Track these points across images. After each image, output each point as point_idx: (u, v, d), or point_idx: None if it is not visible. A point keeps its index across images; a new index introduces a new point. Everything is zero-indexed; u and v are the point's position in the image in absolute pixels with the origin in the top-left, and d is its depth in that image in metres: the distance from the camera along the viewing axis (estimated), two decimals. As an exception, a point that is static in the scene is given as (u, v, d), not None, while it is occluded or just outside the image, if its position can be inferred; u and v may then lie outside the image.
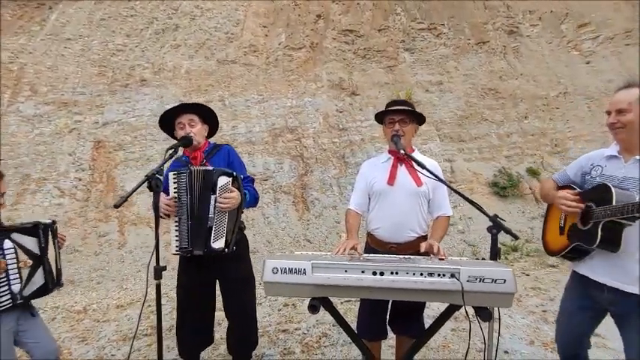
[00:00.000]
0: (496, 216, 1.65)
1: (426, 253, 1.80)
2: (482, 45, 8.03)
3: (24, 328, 1.97)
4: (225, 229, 2.00)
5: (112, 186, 5.74)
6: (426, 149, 6.71)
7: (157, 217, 1.75)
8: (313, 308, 1.51)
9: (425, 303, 2.13)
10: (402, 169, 2.03)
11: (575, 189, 1.76)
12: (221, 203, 1.94)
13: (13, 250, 1.83)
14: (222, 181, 1.97)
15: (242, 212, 2.12)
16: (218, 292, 2.28)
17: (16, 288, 1.84)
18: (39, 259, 1.90)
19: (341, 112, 7.06)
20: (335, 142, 6.70)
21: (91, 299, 4.16)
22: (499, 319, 1.65)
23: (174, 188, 1.97)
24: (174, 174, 1.97)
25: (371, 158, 2.32)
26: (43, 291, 1.93)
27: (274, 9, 8.06)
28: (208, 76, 7.11)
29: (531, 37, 8.24)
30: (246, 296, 2.22)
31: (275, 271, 1.49)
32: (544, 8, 8.42)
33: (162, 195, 1.90)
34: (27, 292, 1.87)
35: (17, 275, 1.83)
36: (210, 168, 1.99)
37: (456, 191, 1.80)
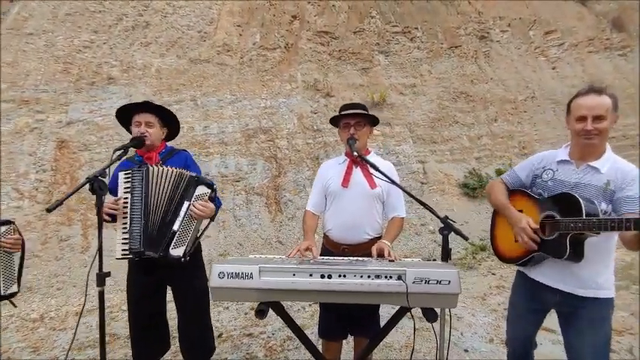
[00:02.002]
0: (447, 217, 1.67)
1: (380, 255, 1.80)
2: (455, 49, 8.21)
3: None
4: (189, 237, 1.93)
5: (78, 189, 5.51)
6: (400, 151, 6.79)
7: (100, 221, 1.67)
8: (260, 313, 1.48)
9: (378, 304, 2.13)
10: (357, 172, 2.04)
11: (529, 195, 1.75)
12: (195, 210, 1.88)
13: None
14: (201, 190, 1.92)
15: (207, 226, 2.06)
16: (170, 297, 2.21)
17: None
18: None
19: (315, 113, 7.05)
20: (309, 143, 6.68)
21: (49, 307, 3.97)
22: (450, 318, 1.67)
23: (126, 187, 1.88)
24: (126, 173, 1.88)
25: (330, 159, 2.32)
26: None
27: (249, 8, 7.98)
28: (180, 76, 6.96)
29: (501, 42, 8.48)
30: (198, 302, 2.16)
31: (221, 275, 1.45)
32: (513, 15, 8.69)
33: (109, 196, 1.82)
34: None
35: None
36: (192, 173, 1.93)
37: (408, 193, 1.82)
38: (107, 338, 3.11)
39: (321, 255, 1.95)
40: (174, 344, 2.62)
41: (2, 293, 1.88)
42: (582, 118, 1.55)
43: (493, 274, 4.53)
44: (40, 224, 5.15)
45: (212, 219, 2.05)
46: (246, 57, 7.44)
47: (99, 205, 1.65)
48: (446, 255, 1.64)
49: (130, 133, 2.09)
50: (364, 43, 8.03)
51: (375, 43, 8.09)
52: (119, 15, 7.40)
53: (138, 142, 1.97)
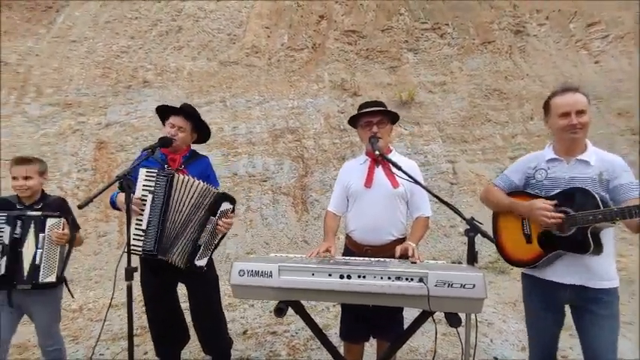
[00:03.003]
0: (473, 219, 1.60)
1: (403, 255, 1.76)
2: (488, 45, 7.91)
3: (32, 315, 2.13)
4: (212, 250, 2.05)
5: (113, 186, 5.80)
6: (428, 150, 6.63)
7: (129, 218, 1.74)
8: (279, 312, 1.49)
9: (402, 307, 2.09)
10: (379, 171, 2.00)
11: (531, 194, 1.71)
12: (220, 227, 2.00)
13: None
14: (226, 206, 2.02)
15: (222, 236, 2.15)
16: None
17: None
18: (4, 249, 1.94)
19: (342, 112, 7.01)
20: (336, 143, 6.67)
21: (88, 298, 4.21)
22: (476, 324, 1.60)
23: (147, 186, 1.93)
24: (148, 171, 1.94)
25: (351, 160, 2.30)
26: (5, 283, 1.95)
27: (277, 10, 8.07)
28: (210, 78, 7.15)
29: (538, 36, 8.08)
30: (209, 298, 2.22)
31: (242, 273, 1.47)
32: (552, 7, 8.25)
33: (121, 194, 1.91)
34: None
35: None
36: (219, 190, 2.02)
37: (431, 193, 1.77)
38: (138, 330, 3.25)
39: (343, 256, 1.94)
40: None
41: (40, 281, 2.01)
42: (566, 114, 1.60)
43: (527, 279, 4.32)
44: (81, 221, 5.40)
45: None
46: (274, 58, 7.53)
47: (127, 202, 1.72)
48: (472, 258, 1.58)
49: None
50: (392, 41, 7.91)
51: (403, 40, 7.94)
52: (154, 21, 7.72)
53: (164, 142, 2.04)
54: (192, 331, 2.45)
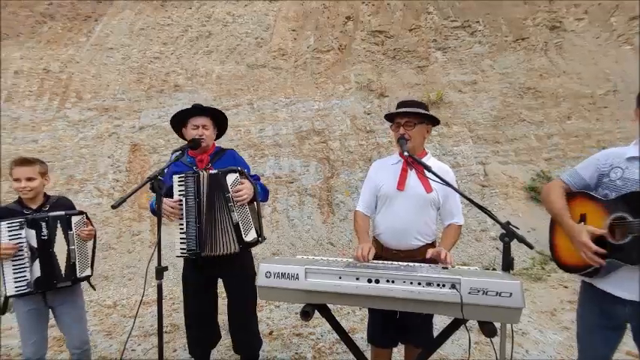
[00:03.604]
0: (509, 223, 1.52)
1: (433, 260, 1.69)
2: (521, 42, 7.60)
3: (55, 313, 2.16)
4: (250, 220, 2.05)
5: (145, 187, 6.01)
6: (458, 151, 6.44)
7: (159, 219, 1.78)
8: (305, 315, 1.46)
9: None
10: (411, 174, 1.93)
11: (593, 197, 1.57)
12: (237, 197, 1.98)
13: (24, 239, 1.97)
14: (231, 178, 2.02)
15: (260, 202, 2.15)
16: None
17: (30, 275, 1.97)
18: (35, 252, 1.99)
19: (369, 114, 6.95)
20: (362, 144, 6.60)
21: (122, 295, 4.37)
22: (512, 334, 1.52)
23: (181, 191, 1.99)
24: (179, 177, 2.00)
25: (381, 159, 2.24)
26: (45, 284, 2.00)
27: (303, 12, 8.12)
28: (238, 81, 7.28)
29: (576, 31, 7.68)
30: (246, 295, 2.23)
31: (268, 275, 1.46)
32: (590, 1, 7.83)
33: (167, 199, 1.94)
34: (24, 283, 1.98)
35: (26, 263, 1.96)
36: (215, 171, 2.01)
37: (466, 197, 1.69)
38: (168, 328, 3.34)
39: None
40: (228, 336, 2.73)
41: (78, 276, 2.10)
42: None
43: (565, 287, 4.09)
44: (116, 220, 5.68)
45: (266, 197, 2.21)
46: (301, 60, 7.57)
47: (158, 203, 1.76)
48: (507, 264, 1.50)
49: (183, 137, 2.21)
50: (420, 40, 7.76)
51: (431, 39, 7.77)
52: (185, 27, 7.96)
53: (195, 143, 2.08)
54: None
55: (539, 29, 7.76)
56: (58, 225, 2.06)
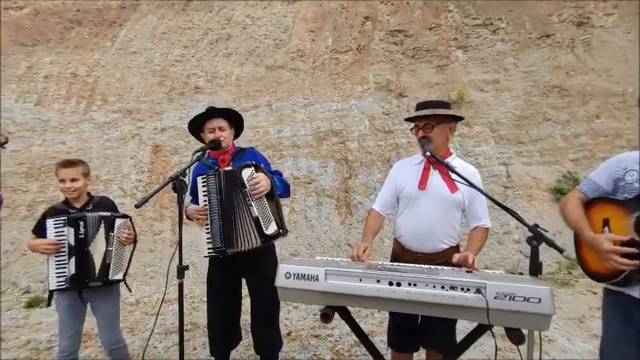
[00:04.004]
0: (537, 226, 1.46)
1: (458, 265, 1.65)
2: (546, 39, 7.36)
3: (92, 309, 2.21)
4: (270, 214, 2.04)
5: (167, 188, 6.14)
6: (480, 152, 6.29)
7: (181, 218, 1.80)
8: (325, 317, 1.45)
9: (455, 317, 1.96)
10: (434, 174, 1.88)
11: (612, 199, 1.52)
12: (254, 191, 1.98)
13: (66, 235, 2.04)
14: (247, 173, 2.02)
15: (278, 195, 2.15)
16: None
17: (70, 270, 2.04)
18: (71, 250, 2.05)
19: (387, 114, 6.88)
20: (380, 145, 6.54)
21: (144, 293, 4.47)
22: (540, 341, 1.46)
23: (204, 192, 2.02)
24: (202, 179, 2.03)
25: (404, 158, 2.19)
26: (78, 281, 2.06)
27: (322, 13, 8.12)
28: (257, 82, 7.35)
29: (605, 27, 7.38)
30: (269, 296, 2.23)
31: (288, 276, 1.45)
32: (621, -5, 7.51)
33: (193, 205, 1.98)
34: (63, 278, 2.05)
35: (66, 260, 2.03)
36: (230, 168, 2.02)
37: (491, 199, 1.64)
38: (188, 326, 3.38)
39: (391, 261, 1.86)
40: (248, 337, 2.75)
41: (110, 278, 2.14)
42: None
43: (594, 292, 3.92)
44: (139, 219, 5.82)
45: (288, 193, 2.22)
46: (319, 61, 7.57)
47: (179, 202, 1.79)
48: (535, 269, 1.44)
49: (201, 141, 2.24)
50: (440, 39, 7.63)
51: (452, 38, 7.63)
52: (205, 30, 8.10)
53: (215, 144, 2.11)
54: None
55: (565, 25, 7.50)
56: (102, 225, 2.11)
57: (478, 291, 1.24)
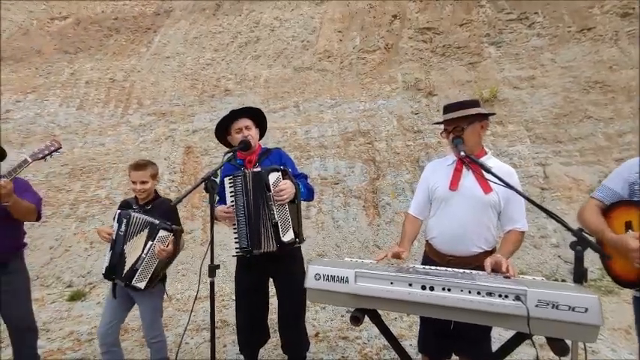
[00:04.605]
0: (581, 230, 1.38)
1: (493, 270, 1.57)
2: (587, 32, 6.97)
3: (137, 303, 2.32)
4: (289, 221, 2.03)
5: (198, 188, 6.32)
6: (514, 152, 6.04)
7: (212, 218, 1.83)
8: (355, 320, 1.43)
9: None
10: (467, 174, 1.81)
11: (631, 201, 1.47)
12: (278, 197, 1.98)
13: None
14: (273, 177, 2.02)
15: (300, 203, 2.14)
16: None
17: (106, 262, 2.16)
18: (112, 244, 2.16)
19: (416, 114, 6.75)
20: (409, 145, 6.42)
21: (176, 290, 4.61)
22: (585, 353, 1.37)
23: (231, 192, 2.05)
24: (229, 179, 2.06)
25: (437, 159, 2.13)
26: (108, 275, 2.16)
27: (349, 13, 8.09)
28: (285, 84, 7.42)
29: (653, 17, 6.89)
30: (295, 298, 2.24)
31: (317, 277, 1.44)
32: (672, -18, 6.98)
33: (221, 206, 2.02)
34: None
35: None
36: (259, 169, 2.03)
37: (531, 201, 1.55)
38: (218, 324, 3.46)
39: (422, 264, 1.81)
40: (276, 336, 2.77)
41: (132, 283, 2.18)
42: None
43: (642, 302, 3.66)
44: (171, 218, 6.02)
45: (312, 197, 2.19)
46: (346, 61, 7.54)
47: (211, 202, 1.82)
48: (580, 276, 1.35)
49: (228, 146, 2.27)
50: (472, 35, 7.40)
51: (484, 34, 7.38)
52: (234, 33, 8.27)
53: (245, 145, 2.13)
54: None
55: (608, 17, 7.06)
56: (146, 229, 2.16)
57: (518, 298, 1.18)
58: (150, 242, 2.14)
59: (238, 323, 2.36)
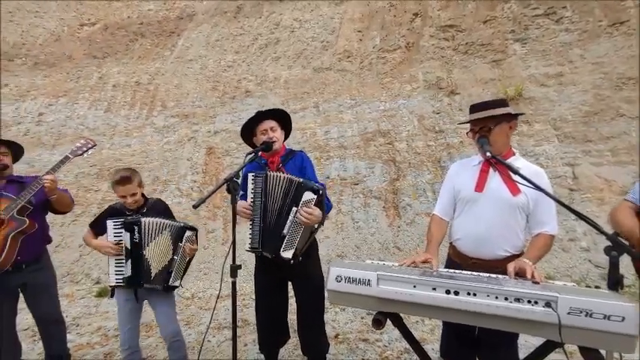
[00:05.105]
0: (617, 234, 1.31)
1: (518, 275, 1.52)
2: (619, 26, 6.65)
3: (151, 305, 2.34)
4: (297, 241, 2.02)
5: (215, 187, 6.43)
6: (541, 152, 5.84)
7: (234, 219, 1.85)
8: (377, 323, 1.41)
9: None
10: (494, 175, 1.76)
11: None
12: (302, 216, 1.96)
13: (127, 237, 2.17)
14: (308, 196, 1.98)
15: (316, 231, 2.14)
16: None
17: (126, 271, 2.17)
18: (127, 253, 2.17)
19: (438, 113, 6.63)
20: (430, 145, 6.32)
21: (198, 288, 4.70)
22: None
23: (252, 190, 2.06)
24: (252, 176, 2.07)
25: (462, 159, 2.08)
26: (133, 282, 2.18)
27: (369, 12, 8.03)
28: (304, 84, 7.44)
29: (693, 9, 6.51)
30: (313, 301, 2.24)
31: (339, 279, 1.43)
32: None
33: (242, 201, 2.03)
34: (121, 277, 2.18)
35: (123, 260, 2.17)
36: (300, 179, 2.01)
37: (562, 203, 1.49)
38: (239, 323, 3.49)
39: (445, 267, 1.77)
40: (295, 336, 2.78)
41: (169, 284, 2.27)
42: None
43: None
44: (194, 218, 6.14)
45: (322, 223, 2.09)
46: (366, 61, 7.49)
47: (233, 203, 1.84)
48: (615, 282, 1.29)
49: (253, 147, 2.29)
50: (496, 32, 7.20)
51: (509, 30, 7.17)
52: (255, 35, 8.36)
53: (267, 146, 2.15)
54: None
55: (642, 10, 6.73)
56: (165, 232, 2.21)
57: (548, 305, 1.14)
58: (179, 243, 2.22)
59: (258, 323, 2.38)
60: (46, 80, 8.76)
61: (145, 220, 2.20)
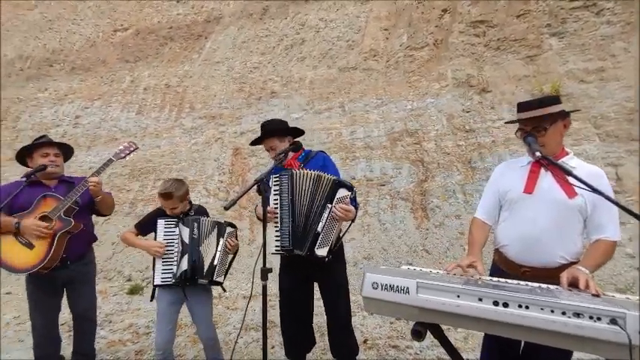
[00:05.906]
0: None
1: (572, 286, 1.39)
2: (668, 16, 6.21)
3: (190, 305, 2.36)
4: (332, 238, 2.01)
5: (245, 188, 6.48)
6: (580, 151, 5.52)
7: (265, 220, 1.82)
8: (417, 334, 1.32)
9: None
10: (546, 176, 1.63)
11: None
12: (337, 212, 1.94)
13: (177, 235, 2.24)
14: (342, 193, 1.98)
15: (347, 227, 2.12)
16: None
17: (176, 269, 2.20)
18: (185, 248, 2.23)
19: (468, 112, 6.41)
20: (460, 145, 6.11)
21: (225, 288, 4.72)
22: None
23: (275, 190, 2.04)
24: (275, 177, 2.05)
25: (510, 160, 1.95)
26: (186, 278, 2.21)
27: (396, 10, 7.88)
28: (330, 84, 7.39)
29: None
30: (340, 301, 2.20)
31: (375, 286, 1.36)
32: None
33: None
34: (170, 275, 2.21)
35: (174, 258, 2.22)
36: (333, 176, 2.00)
37: (622, 207, 1.35)
38: (268, 325, 3.48)
39: (490, 275, 1.65)
40: (323, 340, 2.73)
41: (214, 279, 2.32)
42: None
43: None
44: (220, 218, 6.21)
45: (352, 220, 2.08)
46: (393, 60, 7.35)
47: (264, 204, 1.81)
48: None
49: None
50: (530, 27, 6.89)
51: (544, 25, 6.84)
52: (280, 36, 8.39)
53: (295, 146, 2.14)
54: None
55: (694, -1, 6.25)
56: (215, 230, 2.32)
57: (613, 321, 1.02)
58: (221, 239, 2.31)
59: (283, 333, 2.35)
60: (82, 84, 9.14)
61: (202, 218, 2.32)
